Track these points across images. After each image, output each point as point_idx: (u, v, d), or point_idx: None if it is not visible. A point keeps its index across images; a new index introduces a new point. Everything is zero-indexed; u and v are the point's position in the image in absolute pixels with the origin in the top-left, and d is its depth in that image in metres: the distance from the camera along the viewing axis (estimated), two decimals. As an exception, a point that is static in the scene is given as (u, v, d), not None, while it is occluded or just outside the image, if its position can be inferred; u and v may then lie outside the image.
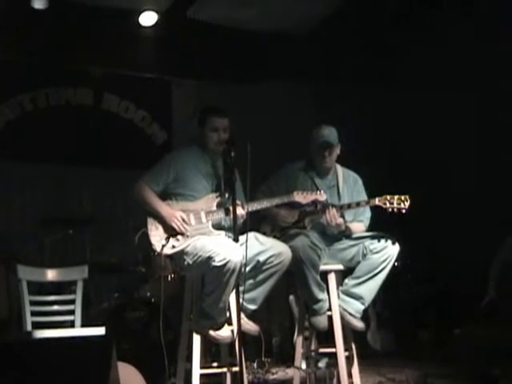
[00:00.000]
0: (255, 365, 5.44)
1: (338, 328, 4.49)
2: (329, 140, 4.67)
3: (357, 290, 4.52)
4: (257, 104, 7.11)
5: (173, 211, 4.20)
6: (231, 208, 3.94)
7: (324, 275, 4.57)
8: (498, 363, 4.02)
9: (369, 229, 4.77)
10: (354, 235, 4.66)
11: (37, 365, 2.98)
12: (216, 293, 3.99)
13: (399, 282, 6.58)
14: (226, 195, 4.27)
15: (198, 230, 4.18)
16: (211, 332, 4.08)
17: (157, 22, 6.45)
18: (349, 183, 4.84)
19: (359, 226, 4.74)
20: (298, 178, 4.77)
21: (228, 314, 4.15)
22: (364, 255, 4.53)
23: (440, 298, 6.37)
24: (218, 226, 4.23)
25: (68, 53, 6.41)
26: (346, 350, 4.57)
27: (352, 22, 6.39)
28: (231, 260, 3.86)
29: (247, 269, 4.00)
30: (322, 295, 4.52)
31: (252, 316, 4.26)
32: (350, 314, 4.51)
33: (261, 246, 4.14)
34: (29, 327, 4.28)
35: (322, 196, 4.43)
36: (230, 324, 4.15)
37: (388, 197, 4.42)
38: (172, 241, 4.15)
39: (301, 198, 4.38)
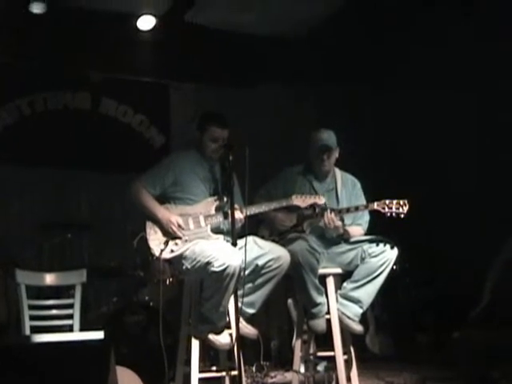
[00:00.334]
0: (254, 368, 5.43)
1: (336, 331, 4.50)
2: (327, 144, 4.68)
3: (355, 294, 4.52)
4: (255, 107, 7.12)
5: (169, 215, 4.19)
6: (230, 212, 3.94)
7: (322, 279, 4.57)
8: (496, 366, 4.02)
9: (367, 232, 4.78)
10: (353, 239, 4.66)
11: (35, 369, 2.98)
12: (215, 297, 3.99)
13: (398, 285, 6.58)
14: (225, 199, 4.27)
15: (197, 233, 4.18)
16: (210, 337, 4.08)
17: (155, 26, 6.44)
18: (347, 187, 4.84)
19: (358, 230, 4.75)
20: (297, 182, 4.77)
21: (227, 319, 4.15)
22: (362, 259, 4.53)
23: (438, 301, 6.37)
24: (216, 230, 4.23)
25: (66, 57, 6.41)
26: (344, 353, 4.58)
27: (350, 24, 6.39)
28: (230, 265, 3.86)
29: (246, 272, 4.00)
30: (321, 299, 4.52)
31: (250, 320, 4.26)
32: (349, 317, 4.51)
33: (259, 250, 4.15)
34: (27, 331, 4.28)
35: (320, 199, 4.43)
36: (229, 328, 4.15)
37: (387, 201, 4.42)
38: (171, 245, 4.15)
39: (299, 201, 4.38)
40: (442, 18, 6.11)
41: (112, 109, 7.01)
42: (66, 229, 5.80)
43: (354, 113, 7.16)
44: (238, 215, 4.09)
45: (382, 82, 7.16)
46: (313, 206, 4.47)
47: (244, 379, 4.05)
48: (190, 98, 7.23)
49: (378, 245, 4.52)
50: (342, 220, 4.58)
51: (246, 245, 3.88)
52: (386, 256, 4.48)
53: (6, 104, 6.54)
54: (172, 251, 4.14)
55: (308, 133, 4.82)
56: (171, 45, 6.64)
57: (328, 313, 4.55)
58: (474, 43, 5.97)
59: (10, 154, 6.36)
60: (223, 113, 4.55)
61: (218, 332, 4.09)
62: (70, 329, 4.42)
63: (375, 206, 4.47)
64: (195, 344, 4.14)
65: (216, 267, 3.87)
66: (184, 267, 4.12)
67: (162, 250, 4.11)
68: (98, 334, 3.83)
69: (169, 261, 4.21)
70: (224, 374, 4.35)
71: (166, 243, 4.14)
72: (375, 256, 4.49)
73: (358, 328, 4.55)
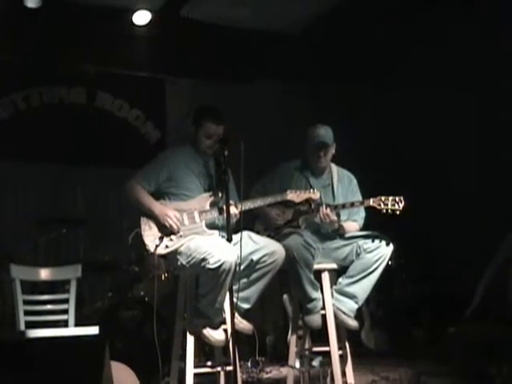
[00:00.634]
0: (249, 364, 5.44)
1: (331, 327, 4.50)
2: (324, 140, 4.67)
3: (350, 289, 4.53)
4: (251, 103, 7.11)
5: (166, 209, 4.19)
6: (225, 207, 3.93)
7: (318, 274, 4.57)
8: (492, 361, 4.02)
9: (364, 227, 4.78)
10: (348, 234, 4.67)
11: (30, 364, 2.98)
12: (211, 294, 3.98)
13: (393, 281, 6.59)
14: (220, 194, 4.26)
15: (192, 229, 4.17)
16: (205, 333, 4.07)
17: (150, 21, 6.42)
18: (343, 183, 4.84)
19: (353, 226, 4.75)
20: (293, 177, 4.77)
21: (224, 314, 4.15)
22: (358, 254, 4.54)
23: (434, 296, 6.38)
24: (211, 226, 4.23)
25: (61, 52, 6.39)
26: (339, 348, 4.58)
27: (349, 21, 6.38)
28: (226, 261, 3.85)
29: (241, 268, 4.00)
30: (316, 294, 4.53)
31: (246, 315, 4.26)
32: (344, 312, 4.51)
33: (254, 245, 4.14)
34: (22, 326, 4.28)
35: (315, 194, 4.43)
36: (224, 323, 4.15)
37: (382, 198, 4.42)
38: (165, 241, 4.14)
39: (294, 196, 4.38)
40: (442, 17, 6.10)
41: (108, 103, 7.00)
42: (61, 224, 5.79)
43: (350, 109, 7.15)
44: (233, 210, 4.08)
45: (379, 80, 7.16)
46: (308, 201, 4.47)
47: (239, 374, 4.06)
48: (185, 92, 7.23)
49: (373, 240, 4.53)
50: (338, 215, 4.58)
51: (241, 240, 3.88)
52: (381, 251, 4.49)
53: (1, 99, 6.52)
54: (167, 247, 4.13)
55: (304, 128, 4.82)
56: (167, 40, 6.62)
57: (323, 308, 4.55)
58: (474, 43, 5.97)
59: (5, 149, 6.34)
60: (219, 108, 4.54)
61: (214, 328, 4.09)
62: (64, 324, 4.41)
63: (371, 202, 4.47)
64: (190, 339, 4.14)
65: (211, 264, 3.87)
66: (179, 263, 4.12)
67: (156, 246, 4.11)
68: (93, 329, 3.84)
69: (164, 256, 4.21)
70: (219, 369, 4.34)
71: (161, 239, 4.13)
72: (370, 251, 4.50)
73: (353, 323, 4.55)
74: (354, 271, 4.54)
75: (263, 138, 6.76)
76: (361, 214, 4.79)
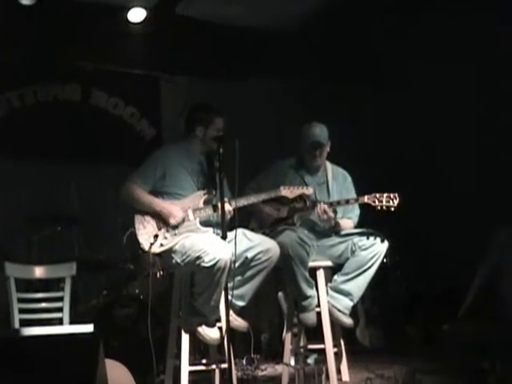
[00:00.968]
0: (244, 361, 5.43)
1: (326, 324, 4.51)
2: (320, 140, 4.68)
3: (345, 287, 4.54)
4: (245, 100, 7.10)
5: (170, 208, 4.18)
6: (219, 205, 3.93)
7: (313, 271, 4.58)
8: (486, 358, 4.04)
9: (358, 225, 4.79)
10: (343, 232, 4.68)
11: (24, 362, 2.97)
12: (207, 292, 3.99)
13: (388, 278, 6.59)
14: (214, 192, 4.26)
15: (186, 227, 4.17)
16: (200, 330, 4.08)
17: (145, 19, 6.41)
18: (338, 180, 4.85)
19: (348, 223, 4.76)
20: (288, 175, 4.78)
21: (219, 312, 4.15)
22: (353, 252, 4.55)
23: (429, 294, 6.38)
24: (205, 223, 4.23)
25: (56, 49, 6.37)
26: (334, 346, 4.60)
27: (347, 18, 6.37)
28: (221, 259, 3.85)
29: (235, 265, 4.00)
30: (311, 291, 4.53)
31: (241, 312, 4.27)
32: (339, 310, 4.52)
33: (249, 243, 4.15)
34: (17, 324, 4.27)
35: (308, 190, 4.44)
36: (219, 320, 4.15)
37: (377, 195, 4.44)
38: (160, 239, 4.14)
39: (287, 192, 4.39)
40: (440, 15, 6.09)
41: (103, 101, 6.98)
42: (55, 222, 5.77)
43: (347, 108, 7.14)
44: (227, 207, 4.08)
45: (378, 79, 7.15)
46: (302, 198, 4.48)
47: (234, 372, 4.07)
48: (180, 90, 7.21)
49: (368, 238, 4.54)
50: (335, 212, 4.58)
51: (235, 237, 3.88)
52: (376, 249, 4.50)
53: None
54: (161, 245, 4.13)
55: (299, 126, 4.82)
56: (162, 37, 6.61)
57: (318, 306, 4.56)
58: (473, 42, 5.95)
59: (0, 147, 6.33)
60: (214, 105, 4.56)
61: (209, 325, 4.09)
62: (59, 322, 4.40)
63: (365, 199, 4.49)
64: (185, 337, 4.14)
65: (206, 262, 3.87)
66: (174, 261, 4.12)
67: (151, 244, 4.11)
68: (88, 327, 3.82)
69: (158, 255, 4.21)
70: (214, 366, 4.35)
71: (156, 237, 4.13)
72: (365, 249, 4.51)
73: (348, 321, 4.56)
74: (349, 268, 4.55)
75: (258, 135, 6.75)
76: (355, 212, 4.80)
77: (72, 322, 4.41)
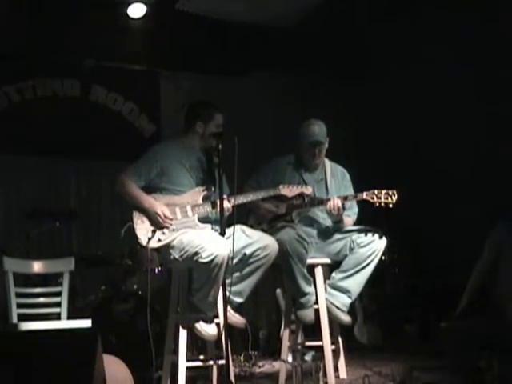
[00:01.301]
0: (242, 358, 5.44)
1: (324, 321, 4.51)
2: (319, 139, 4.67)
3: (344, 284, 4.54)
4: (245, 96, 7.10)
5: (155, 206, 4.16)
6: (218, 201, 3.93)
7: (311, 269, 4.58)
8: (483, 356, 4.04)
9: (357, 222, 4.79)
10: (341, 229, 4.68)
11: (22, 357, 2.98)
12: (205, 288, 3.99)
13: (386, 276, 6.60)
14: (212, 188, 4.26)
15: (184, 223, 4.17)
16: (198, 326, 4.08)
17: (145, 14, 6.41)
18: (337, 177, 4.85)
19: (347, 221, 4.76)
20: (286, 172, 4.78)
21: (217, 308, 4.15)
22: (351, 249, 4.55)
23: (427, 291, 6.39)
24: (204, 220, 4.23)
25: (56, 44, 6.36)
26: (332, 343, 4.60)
27: (343, 13, 6.36)
28: (218, 255, 3.85)
29: (234, 262, 4.00)
30: (309, 288, 4.53)
31: (238, 309, 4.27)
32: (337, 307, 4.53)
33: (247, 239, 4.15)
34: (15, 319, 4.26)
35: (307, 189, 4.44)
36: (217, 317, 4.15)
37: (376, 191, 4.44)
38: (158, 234, 4.14)
39: (287, 191, 4.39)
40: (437, 7, 6.08)
41: (102, 96, 6.98)
42: (54, 217, 5.77)
43: (344, 103, 7.14)
44: (226, 204, 4.07)
45: (375, 72, 7.13)
46: (301, 196, 4.48)
47: (232, 368, 4.06)
48: (180, 86, 7.21)
49: (366, 235, 4.54)
50: (344, 208, 4.58)
51: (233, 234, 3.88)
52: (374, 246, 4.50)
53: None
54: (159, 240, 4.13)
55: (298, 123, 4.81)
56: (162, 33, 6.60)
57: (316, 303, 4.56)
58: (472, 31, 5.92)
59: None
60: (214, 101, 4.56)
61: (207, 322, 4.09)
62: (57, 317, 4.40)
63: (364, 195, 4.48)
64: (183, 333, 4.14)
65: (204, 258, 3.87)
66: (172, 257, 4.12)
67: (149, 239, 4.11)
68: (86, 323, 3.84)
69: (156, 250, 4.21)
70: (211, 363, 4.36)
71: (154, 232, 4.13)
72: (364, 246, 4.51)
73: (346, 319, 4.57)
74: (347, 266, 4.55)
75: (257, 131, 6.75)
76: (354, 210, 4.80)
77: (70, 317, 4.41)
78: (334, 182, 4.81)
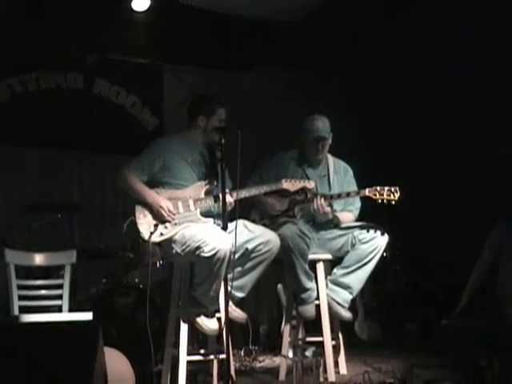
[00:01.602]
0: (242, 353, 5.45)
1: (325, 317, 4.52)
2: (322, 134, 4.67)
3: (345, 280, 4.54)
4: (249, 90, 7.09)
5: (159, 200, 4.16)
6: (220, 195, 3.93)
7: (312, 264, 4.58)
8: (483, 354, 4.04)
9: (359, 218, 4.79)
10: (343, 225, 4.67)
11: (23, 349, 2.98)
12: (207, 282, 3.99)
13: (388, 272, 6.60)
14: (214, 183, 4.26)
15: (187, 217, 4.16)
16: (199, 321, 4.08)
17: (149, 7, 6.40)
18: (339, 173, 4.85)
19: (348, 216, 4.76)
20: (289, 168, 4.78)
21: (219, 303, 4.15)
22: (353, 245, 4.55)
23: (428, 289, 6.39)
24: (206, 214, 4.22)
25: (60, 37, 6.35)
26: (333, 339, 4.60)
27: (346, 10, 6.35)
28: (220, 249, 3.85)
29: (235, 256, 4.00)
30: (310, 284, 4.53)
31: (240, 304, 4.27)
32: (338, 303, 4.53)
33: (249, 234, 4.14)
34: (16, 311, 4.27)
35: (310, 184, 4.43)
36: (218, 311, 4.15)
37: (378, 188, 4.44)
38: (160, 228, 4.13)
39: (289, 185, 4.38)
40: (438, 8, 6.06)
41: (105, 90, 6.97)
42: (56, 209, 5.78)
43: (348, 99, 7.13)
44: (228, 199, 4.06)
45: (376, 69, 7.12)
46: (303, 191, 4.47)
47: (232, 363, 4.06)
48: (183, 79, 7.20)
49: (368, 231, 4.54)
50: (331, 206, 4.58)
51: (236, 228, 3.88)
52: (376, 242, 4.50)
53: (-3, 82, 6.50)
54: (161, 234, 4.13)
55: (302, 118, 4.81)
56: (165, 26, 6.59)
57: (317, 298, 4.56)
58: (473, 29, 5.91)
59: (1, 133, 6.31)
60: (217, 96, 4.54)
61: (208, 316, 4.09)
62: (58, 309, 4.40)
63: (367, 192, 4.48)
64: (184, 327, 4.14)
65: (206, 252, 3.87)
66: (174, 251, 4.12)
67: (151, 233, 4.10)
68: (87, 315, 3.84)
69: (158, 244, 4.21)
70: (212, 357, 4.36)
71: (156, 226, 4.13)
72: (365, 242, 4.51)
73: (346, 315, 4.57)
74: (349, 262, 4.55)
75: (261, 126, 6.75)
76: (356, 205, 4.80)
77: (71, 309, 4.41)
78: (337, 178, 4.81)
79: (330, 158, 4.87)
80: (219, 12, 6.53)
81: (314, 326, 4.76)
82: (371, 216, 4.70)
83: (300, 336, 4.85)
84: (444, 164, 6.34)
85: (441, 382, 4.14)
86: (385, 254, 4.96)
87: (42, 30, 6.26)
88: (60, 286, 4.45)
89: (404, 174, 6.00)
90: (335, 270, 4.62)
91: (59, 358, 2.99)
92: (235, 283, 4.05)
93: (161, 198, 4.17)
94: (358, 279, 4.53)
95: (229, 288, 3.86)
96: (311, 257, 4.54)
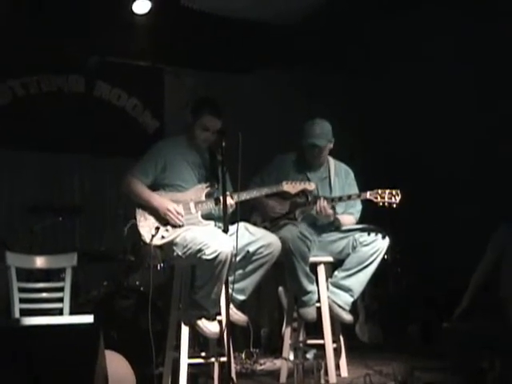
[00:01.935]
0: (243, 355, 5.44)
1: (326, 320, 4.52)
2: (317, 142, 4.64)
3: (346, 282, 4.54)
4: (250, 93, 7.09)
5: (166, 203, 4.16)
6: (221, 198, 3.93)
7: (314, 267, 4.58)
8: (484, 357, 4.04)
9: (360, 221, 4.79)
10: (344, 227, 4.67)
11: (24, 352, 2.98)
12: (208, 285, 3.99)
13: (388, 275, 6.60)
14: (215, 185, 4.26)
15: (188, 220, 4.16)
16: (200, 324, 4.08)
17: (150, 10, 6.40)
18: (340, 176, 4.85)
19: (349, 219, 4.76)
20: (290, 170, 4.78)
21: (220, 306, 4.15)
22: (354, 248, 4.55)
23: (429, 291, 6.38)
24: (207, 216, 4.22)
25: (61, 40, 6.36)
26: (334, 341, 4.60)
27: (347, 11, 6.35)
28: (222, 252, 3.85)
29: (237, 259, 4.00)
30: (311, 287, 4.54)
31: (241, 306, 4.27)
32: (339, 306, 4.53)
33: (251, 237, 4.14)
34: (17, 314, 4.27)
35: (310, 186, 4.43)
36: (219, 314, 4.15)
37: (379, 191, 4.44)
38: (161, 231, 4.13)
39: (290, 187, 4.38)
40: (438, 6, 6.06)
41: (106, 92, 6.97)
42: (57, 212, 5.77)
43: (347, 99, 7.13)
44: (229, 201, 4.06)
45: (376, 70, 7.12)
46: (304, 193, 4.47)
47: (233, 366, 4.06)
48: (184, 82, 7.21)
49: (369, 234, 4.54)
50: (334, 208, 4.58)
51: (237, 231, 3.88)
52: (377, 245, 4.50)
53: (-2, 85, 6.51)
54: (163, 237, 4.13)
55: (303, 120, 4.80)
56: (166, 29, 6.59)
57: (318, 301, 4.56)
58: (472, 27, 5.90)
59: (2, 136, 6.31)
60: (217, 98, 4.53)
61: (209, 319, 4.09)
62: (59, 312, 4.40)
63: (368, 195, 4.48)
64: (185, 330, 4.14)
65: (207, 255, 3.87)
66: (175, 254, 4.12)
67: (152, 236, 4.10)
68: (88, 318, 3.84)
69: (160, 247, 4.20)
70: (213, 360, 4.35)
71: (157, 229, 4.12)
72: (366, 245, 4.51)
73: (347, 317, 4.57)
74: (349, 264, 4.55)
75: (262, 128, 6.75)
76: (357, 208, 4.80)
77: (72, 312, 4.41)
78: (338, 181, 4.81)
79: (331, 161, 4.87)
80: (220, 15, 6.53)
81: (315, 328, 4.76)
82: (372, 219, 4.70)
83: (301, 338, 4.85)
84: (444, 163, 6.34)
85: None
86: (386, 257, 4.96)
87: (43, 31, 6.26)
88: (61, 289, 4.45)
89: (404, 172, 6.02)
90: (336, 273, 4.62)
91: (60, 360, 2.99)
92: (236, 286, 4.06)
93: (167, 201, 4.17)
94: (358, 282, 4.53)
95: (230, 291, 3.86)
96: (312, 259, 4.54)
